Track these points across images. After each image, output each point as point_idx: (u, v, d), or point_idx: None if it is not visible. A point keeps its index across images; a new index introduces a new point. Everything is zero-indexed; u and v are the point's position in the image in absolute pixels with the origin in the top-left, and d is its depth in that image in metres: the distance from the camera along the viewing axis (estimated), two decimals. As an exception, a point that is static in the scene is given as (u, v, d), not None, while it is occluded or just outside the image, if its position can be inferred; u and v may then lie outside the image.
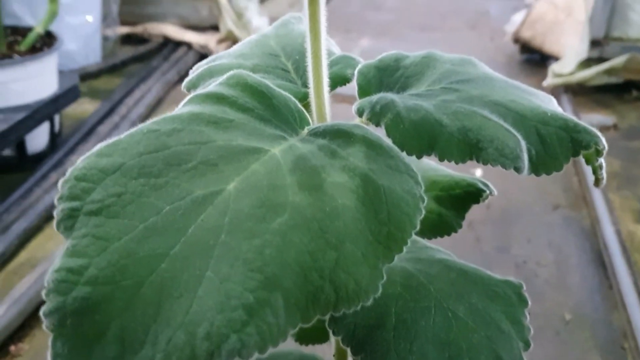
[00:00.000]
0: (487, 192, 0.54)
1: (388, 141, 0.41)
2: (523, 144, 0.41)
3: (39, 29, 1.49)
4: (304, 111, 0.44)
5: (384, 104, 0.42)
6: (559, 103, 1.92)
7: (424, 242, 0.52)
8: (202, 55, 2.21)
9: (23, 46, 1.47)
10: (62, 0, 1.66)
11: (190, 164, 0.36)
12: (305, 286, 0.34)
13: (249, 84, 0.42)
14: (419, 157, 0.41)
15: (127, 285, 0.33)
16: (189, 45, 2.23)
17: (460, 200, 0.54)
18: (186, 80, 0.52)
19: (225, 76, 0.43)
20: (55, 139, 1.54)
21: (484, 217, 1.38)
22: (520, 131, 0.42)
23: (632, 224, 1.36)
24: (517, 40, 2.35)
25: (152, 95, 1.86)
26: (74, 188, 0.35)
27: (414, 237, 0.52)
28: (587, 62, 2.04)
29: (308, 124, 0.44)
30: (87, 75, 1.96)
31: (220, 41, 2.23)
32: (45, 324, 0.32)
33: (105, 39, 2.10)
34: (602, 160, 0.44)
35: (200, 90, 0.42)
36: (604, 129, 1.84)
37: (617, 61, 1.98)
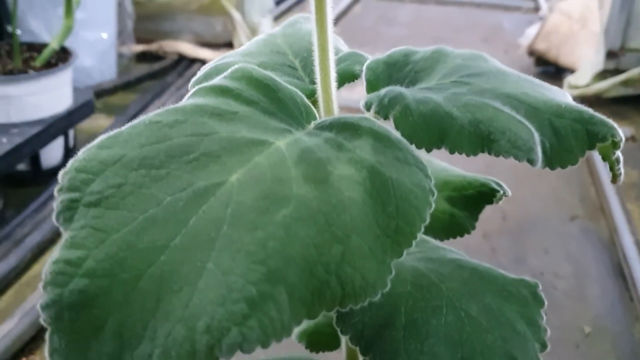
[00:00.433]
0: (501, 192, 0.53)
1: (397, 134, 0.40)
2: (537, 136, 0.40)
3: (54, 45, 1.50)
4: (311, 105, 0.43)
5: (392, 97, 0.41)
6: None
7: (436, 242, 0.50)
8: (216, 70, 2.22)
9: (38, 62, 1.49)
10: (77, 16, 1.67)
11: (192, 156, 0.35)
12: (310, 280, 0.33)
13: (254, 77, 0.42)
14: (429, 150, 0.40)
15: (126, 278, 0.32)
16: (203, 62, 2.24)
17: (473, 200, 0.53)
18: (193, 79, 0.52)
19: (230, 70, 0.42)
20: (69, 154, 1.54)
21: (499, 228, 1.36)
22: (534, 124, 0.41)
23: (652, 234, 1.33)
24: (531, 52, 2.34)
25: (166, 110, 1.86)
26: (73, 179, 0.34)
27: (426, 237, 0.51)
28: (603, 74, 2.02)
29: (315, 118, 0.43)
30: (102, 92, 1.97)
31: (234, 57, 2.24)
32: (42, 317, 0.31)
33: (120, 55, 2.11)
34: (619, 153, 0.43)
35: (205, 84, 0.41)
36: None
37: (634, 72, 1.96)
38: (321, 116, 0.46)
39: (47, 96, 1.43)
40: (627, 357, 1.06)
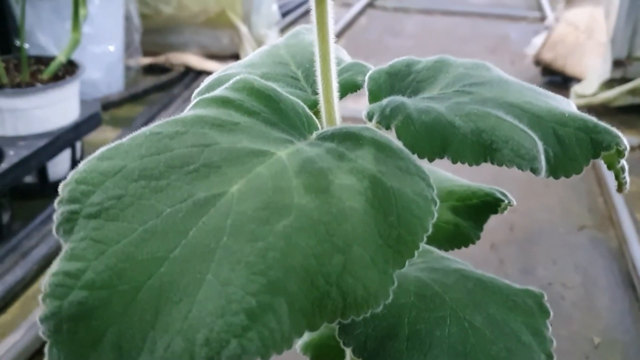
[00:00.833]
0: (506, 201, 0.52)
1: (399, 144, 0.40)
2: (540, 145, 0.39)
3: (61, 58, 1.51)
4: (312, 116, 0.43)
5: (394, 107, 0.41)
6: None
7: (440, 252, 0.50)
8: (223, 82, 2.23)
9: (46, 74, 1.50)
10: (85, 30, 1.69)
11: (193, 166, 0.35)
12: (311, 291, 0.32)
13: (256, 88, 0.41)
14: (431, 159, 0.40)
15: (125, 289, 0.31)
16: (210, 74, 2.25)
17: (477, 210, 0.52)
18: (196, 90, 0.52)
19: (231, 81, 0.42)
20: (76, 166, 1.55)
21: (507, 239, 1.35)
22: (537, 132, 0.40)
23: (662, 244, 1.32)
24: (538, 62, 2.34)
25: (172, 122, 1.87)
26: (73, 191, 0.34)
27: (429, 247, 0.51)
28: (610, 83, 2.02)
29: (316, 128, 0.43)
30: (109, 104, 1.98)
31: (241, 69, 2.25)
32: (41, 330, 0.31)
33: (127, 68, 2.13)
34: (624, 162, 0.42)
35: (206, 95, 0.41)
36: (630, 150, 1.80)
37: (641, 81, 1.95)
38: (323, 126, 0.46)
39: (55, 109, 1.44)
40: (638, 369, 1.04)
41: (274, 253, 0.32)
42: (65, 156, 1.51)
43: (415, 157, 0.39)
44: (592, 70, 2.07)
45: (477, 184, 0.54)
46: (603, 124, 0.41)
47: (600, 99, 1.99)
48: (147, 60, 2.28)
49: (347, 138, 0.39)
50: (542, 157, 0.39)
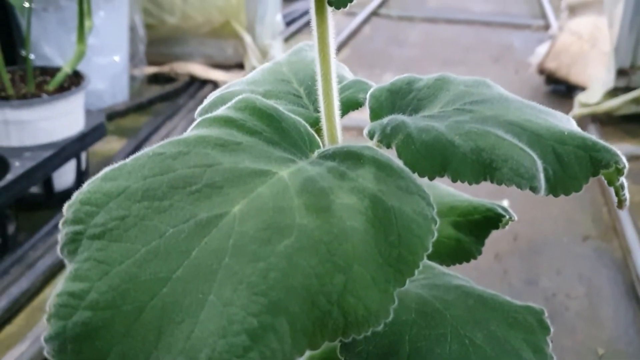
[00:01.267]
0: (507, 217, 0.52)
1: (399, 162, 0.40)
2: (539, 163, 0.40)
3: (67, 69, 1.52)
4: (314, 134, 0.44)
5: (394, 125, 0.41)
6: (587, 133, 1.86)
7: (442, 268, 0.50)
8: (227, 92, 2.24)
9: (51, 86, 1.51)
10: (90, 41, 1.70)
11: (195, 187, 0.36)
12: (312, 311, 0.33)
13: (258, 107, 0.42)
14: (431, 178, 0.40)
15: (128, 310, 0.32)
16: (214, 84, 2.26)
17: (479, 225, 0.53)
18: (199, 108, 0.52)
19: (233, 100, 0.43)
20: (81, 177, 1.56)
21: (511, 249, 1.35)
22: (537, 151, 0.41)
23: (666, 255, 1.32)
24: (542, 71, 2.34)
25: (177, 133, 1.88)
26: (77, 212, 0.35)
27: (431, 263, 0.51)
28: (614, 92, 2.02)
29: (318, 147, 0.43)
30: (114, 114, 1.99)
31: (245, 78, 2.26)
32: (46, 349, 0.32)
33: (132, 78, 2.14)
34: (623, 179, 0.43)
35: (208, 115, 0.41)
36: (633, 158, 1.80)
37: (645, 90, 1.95)
38: (325, 144, 0.47)
39: (60, 120, 1.45)
40: (642, 380, 1.04)
41: (276, 273, 0.33)
42: (70, 167, 1.52)
43: (415, 175, 0.40)
44: (596, 79, 2.07)
45: (478, 199, 0.55)
46: (602, 142, 0.42)
47: (604, 107, 1.99)
48: (151, 70, 2.29)
49: (348, 157, 0.40)
50: (542, 176, 0.39)
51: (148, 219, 0.34)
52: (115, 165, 0.37)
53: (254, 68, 2.25)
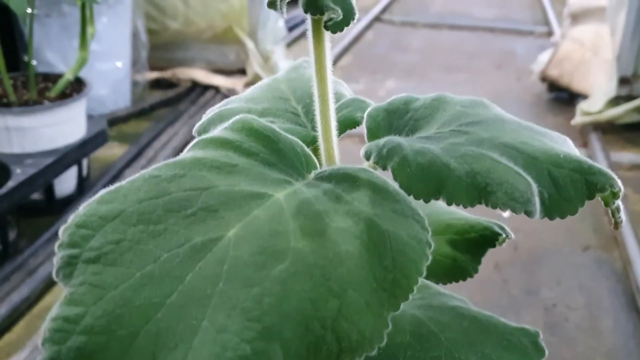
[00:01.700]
0: (504, 235, 0.53)
1: (395, 185, 0.40)
2: (535, 187, 0.40)
3: (68, 76, 1.53)
4: (311, 155, 0.44)
5: (390, 147, 0.42)
6: (588, 142, 1.87)
7: (437, 288, 0.50)
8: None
9: (53, 92, 1.51)
10: (93, 47, 1.70)
11: (190, 210, 0.36)
12: (306, 336, 0.33)
13: (255, 128, 0.42)
14: (427, 200, 0.40)
15: (123, 335, 0.32)
16: (216, 89, 2.27)
17: (475, 244, 0.53)
18: (197, 124, 0.52)
19: (230, 121, 0.43)
20: (83, 183, 1.56)
21: (511, 259, 1.35)
22: (532, 174, 0.41)
23: (666, 265, 1.31)
24: (544, 79, 2.34)
25: (179, 139, 1.89)
26: (73, 235, 0.35)
27: (426, 282, 0.51)
28: (616, 100, 2.02)
29: (315, 167, 0.43)
30: (116, 120, 2.00)
31: (247, 85, 2.26)
32: (40, 374, 0.32)
33: (134, 84, 2.14)
34: (619, 202, 0.43)
35: (205, 135, 0.41)
36: (634, 167, 1.80)
37: (647, 99, 1.95)
38: (322, 164, 0.47)
39: (62, 127, 1.45)
40: (642, 393, 1.04)
41: (270, 299, 0.33)
42: (71, 173, 1.53)
43: (411, 198, 0.40)
44: (598, 88, 2.07)
45: (475, 217, 0.55)
46: (598, 165, 0.42)
47: (606, 116, 1.99)
48: (154, 75, 2.30)
49: (344, 179, 0.40)
50: (537, 199, 0.39)
51: (143, 243, 0.34)
52: (112, 187, 0.37)
53: (255, 74, 2.26)
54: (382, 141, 0.43)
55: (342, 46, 2.82)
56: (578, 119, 2.02)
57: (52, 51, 1.84)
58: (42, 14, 1.78)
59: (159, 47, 2.30)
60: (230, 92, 2.24)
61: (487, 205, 0.39)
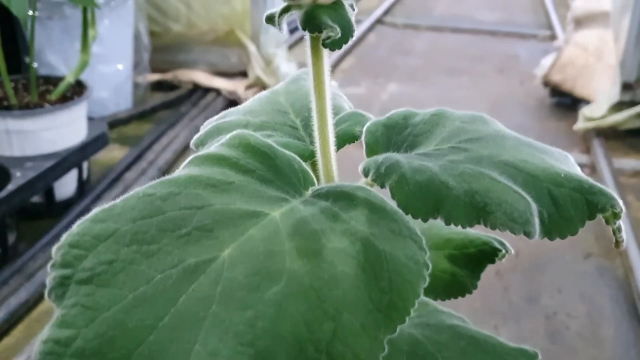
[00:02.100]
0: (503, 251, 0.52)
1: (393, 203, 0.40)
2: (534, 207, 0.39)
3: (69, 79, 1.53)
4: (309, 171, 0.43)
5: (388, 165, 0.41)
6: (591, 148, 1.86)
7: (435, 305, 0.50)
8: (231, 101, 2.24)
9: (54, 95, 1.51)
10: (94, 49, 1.70)
11: (185, 230, 0.35)
12: (300, 359, 0.32)
13: (251, 144, 0.42)
14: (425, 220, 0.40)
15: (115, 358, 0.31)
16: (217, 92, 2.26)
17: (474, 259, 0.52)
18: (194, 137, 0.52)
19: (227, 136, 0.42)
20: (83, 186, 1.56)
21: (512, 266, 1.34)
22: (532, 193, 0.40)
23: (668, 274, 1.31)
24: (547, 83, 2.33)
25: (179, 141, 1.88)
26: (66, 255, 0.34)
27: (425, 299, 0.51)
28: (619, 106, 2.01)
29: (312, 184, 0.43)
30: (117, 122, 2.00)
31: (249, 87, 2.26)
32: (30, 397, 0.31)
33: (136, 85, 2.14)
34: (620, 222, 0.42)
35: (201, 152, 0.41)
36: (638, 174, 1.79)
37: (650, 104, 1.95)
38: (320, 179, 0.47)
39: (62, 130, 1.45)
40: (642, 403, 1.03)
41: (263, 322, 0.32)
42: (72, 176, 1.52)
43: (409, 217, 0.40)
44: (601, 93, 2.07)
45: (474, 231, 0.54)
46: (599, 185, 0.41)
47: (608, 122, 1.98)
48: (155, 77, 2.29)
49: (342, 197, 0.39)
50: (536, 220, 0.39)
51: (136, 263, 0.34)
52: (106, 205, 0.37)
53: (257, 77, 2.25)
54: (380, 158, 0.42)
55: (343, 49, 2.81)
56: (580, 125, 2.02)
57: (53, 53, 1.83)
58: (44, 16, 1.78)
59: (161, 49, 2.30)
60: (232, 95, 2.24)
61: (485, 225, 0.39)
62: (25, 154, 1.41)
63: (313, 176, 0.43)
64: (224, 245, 0.35)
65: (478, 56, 2.96)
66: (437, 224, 0.56)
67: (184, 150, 1.88)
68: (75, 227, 0.36)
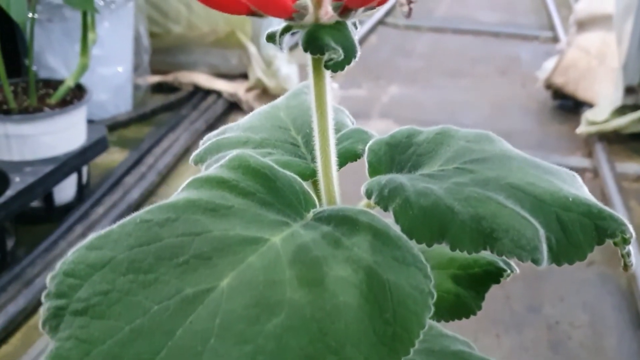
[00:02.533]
0: (508, 271, 0.51)
1: (396, 228, 0.39)
2: (542, 232, 0.38)
3: (69, 82, 1.52)
4: (310, 192, 0.42)
5: (392, 188, 0.40)
6: (593, 152, 1.85)
7: (439, 328, 0.49)
8: (231, 103, 2.23)
9: (54, 99, 1.50)
10: (94, 52, 1.69)
11: (182, 258, 0.34)
12: (302, 395, 0.31)
13: (252, 167, 0.41)
14: (429, 245, 0.38)
15: (110, 394, 0.30)
16: (218, 94, 2.25)
17: (479, 279, 0.51)
18: (194, 154, 0.51)
19: (227, 158, 0.41)
20: (82, 190, 1.55)
21: (514, 274, 1.33)
22: (539, 217, 0.39)
23: (672, 282, 1.30)
24: (549, 86, 2.32)
25: (179, 145, 1.87)
26: (61, 285, 0.33)
27: (428, 322, 0.50)
28: (622, 110, 2.00)
29: (314, 206, 0.42)
30: (117, 124, 1.99)
31: (249, 89, 2.25)
32: None
33: (136, 87, 2.13)
34: (629, 248, 0.41)
35: (199, 174, 0.40)
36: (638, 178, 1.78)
37: (653, 109, 1.93)
38: (322, 200, 0.46)
39: (61, 134, 1.44)
40: (646, 414, 1.02)
41: (264, 357, 0.31)
42: (71, 181, 1.51)
43: (414, 241, 0.38)
44: (604, 97, 2.05)
45: (479, 250, 0.53)
46: (608, 210, 0.40)
47: (611, 126, 1.97)
48: (155, 79, 2.28)
49: (344, 222, 0.38)
50: (544, 246, 0.38)
51: (132, 294, 0.33)
52: (102, 232, 0.36)
53: (258, 79, 2.24)
54: (383, 179, 0.41)
55: (345, 50, 2.80)
56: (583, 129, 2.01)
57: (53, 55, 1.82)
58: (44, 19, 1.77)
59: (162, 51, 2.29)
60: (232, 97, 2.23)
61: (492, 252, 0.37)
62: (25, 159, 1.40)
63: (315, 197, 0.42)
64: (222, 274, 0.34)
65: (480, 58, 2.94)
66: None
67: (184, 153, 1.87)
68: (70, 254, 0.35)
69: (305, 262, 0.35)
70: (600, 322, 1.21)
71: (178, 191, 0.39)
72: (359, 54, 0.37)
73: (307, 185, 0.45)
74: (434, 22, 3.54)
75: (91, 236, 0.36)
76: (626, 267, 0.43)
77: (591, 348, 1.15)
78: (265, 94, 2.24)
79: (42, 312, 0.33)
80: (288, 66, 2.31)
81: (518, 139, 2.03)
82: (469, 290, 0.51)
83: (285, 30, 0.38)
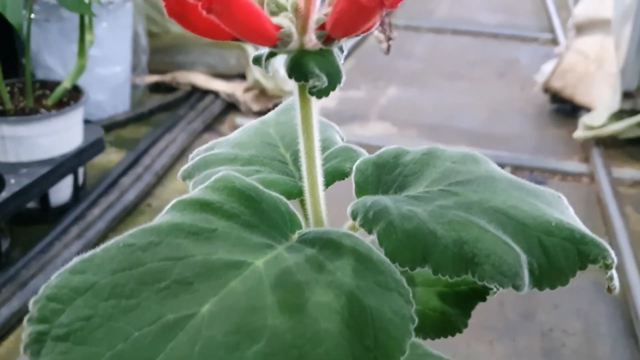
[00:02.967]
0: (494, 289, 0.51)
1: (379, 252, 0.39)
2: (524, 258, 0.39)
3: (66, 84, 1.51)
4: (295, 214, 0.42)
5: (377, 210, 0.40)
6: (590, 157, 1.84)
7: (425, 347, 0.49)
8: (229, 103, 2.23)
9: (50, 100, 1.50)
10: (92, 52, 1.69)
11: (164, 283, 0.35)
12: (280, 422, 0.32)
13: (237, 188, 0.41)
14: (412, 269, 0.39)
15: (89, 420, 0.31)
16: (216, 94, 2.25)
17: (465, 297, 0.51)
18: (182, 169, 0.51)
19: (212, 179, 0.41)
20: (78, 192, 1.55)
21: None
22: (521, 242, 0.39)
23: (665, 290, 1.30)
24: (547, 90, 2.32)
25: (176, 146, 1.87)
26: (43, 309, 0.33)
27: (414, 340, 0.50)
28: (619, 115, 2.00)
29: (299, 227, 0.42)
30: (114, 124, 1.98)
31: (247, 90, 2.25)
32: None
33: (134, 87, 2.13)
34: (613, 272, 0.41)
35: (184, 196, 0.40)
36: (637, 184, 1.78)
37: (651, 114, 1.93)
38: (309, 219, 0.46)
39: (58, 136, 1.44)
40: (637, 423, 1.03)
41: (243, 384, 0.31)
42: (67, 182, 1.51)
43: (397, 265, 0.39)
44: (601, 101, 2.05)
45: (466, 267, 0.53)
46: (591, 235, 0.41)
47: (608, 130, 1.97)
48: (153, 79, 2.28)
49: (328, 245, 0.39)
50: (525, 272, 0.38)
51: (114, 319, 0.33)
52: (86, 255, 0.36)
53: (255, 79, 2.24)
54: (369, 201, 0.41)
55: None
56: (580, 133, 2.00)
57: (51, 55, 1.82)
58: (41, 19, 1.77)
59: (160, 51, 2.29)
60: (230, 97, 2.22)
61: (473, 276, 0.38)
62: (20, 160, 1.40)
63: (300, 218, 0.42)
64: (203, 300, 0.34)
65: (478, 60, 2.94)
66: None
67: (181, 154, 1.87)
68: (53, 278, 0.35)
69: (287, 287, 0.36)
70: (594, 330, 1.22)
71: (162, 213, 0.40)
72: (344, 79, 0.37)
73: (295, 203, 0.45)
74: (434, 23, 3.53)
75: (75, 260, 0.36)
76: (609, 290, 0.44)
77: (585, 356, 1.16)
78: (263, 94, 2.24)
79: (24, 336, 0.33)
80: (286, 67, 2.31)
81: (515, 143, 2.03)
82: (455, 307, 0.51)
83: (270, 55, 0.39)
